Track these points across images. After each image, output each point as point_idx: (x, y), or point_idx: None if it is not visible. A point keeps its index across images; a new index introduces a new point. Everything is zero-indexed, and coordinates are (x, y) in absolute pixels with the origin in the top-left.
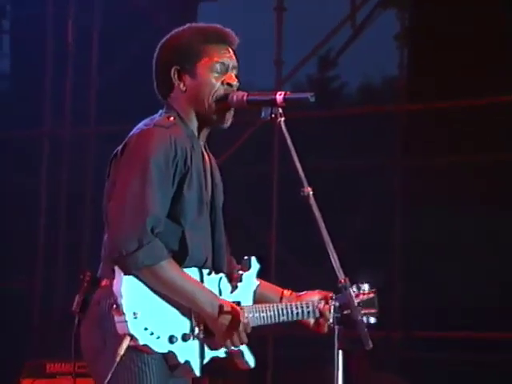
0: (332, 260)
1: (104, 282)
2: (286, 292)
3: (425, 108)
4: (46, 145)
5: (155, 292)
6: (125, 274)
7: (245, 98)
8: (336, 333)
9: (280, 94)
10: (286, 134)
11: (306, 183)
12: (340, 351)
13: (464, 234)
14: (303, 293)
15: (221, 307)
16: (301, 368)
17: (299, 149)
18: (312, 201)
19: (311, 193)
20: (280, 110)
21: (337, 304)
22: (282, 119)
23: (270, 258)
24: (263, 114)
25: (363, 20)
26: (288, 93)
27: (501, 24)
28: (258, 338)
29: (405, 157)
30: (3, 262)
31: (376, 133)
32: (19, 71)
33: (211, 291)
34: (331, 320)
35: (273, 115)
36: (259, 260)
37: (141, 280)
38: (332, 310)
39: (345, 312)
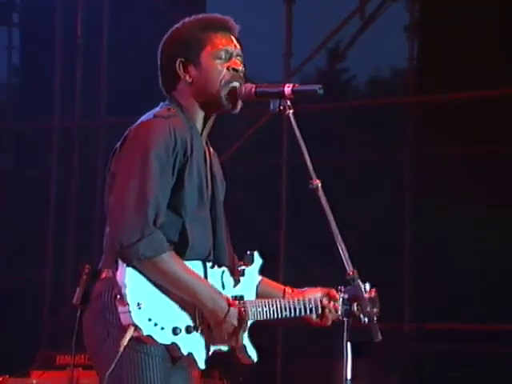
0: (341, 252)
1: (104, 274)
2: (288, 289)
3: (434, 100)
4: (56, 137)
5: (158, 283)
6: (126, 266)
7: (253, 90)
8: (345, 325)
9: (288, 86)
10: (295, 127)
11: (314, 175)
12: (349, 343)
13: (475, 225)
14: (305, 289)
15: (221, 303)
16: (310, 359)
17: (308, 141)
18: (321, 193)
19: (320, 185)
20: (288, 103)
21: (346, 296)
22: (291, 111)
23: (279, 251)
24: (272, 107)
25: (372, 12)
26: (296, 85)
27: None
28: (268, 329)
29: (414, 149)
30: (14, 255)
31: (385, 125)
32: (29, 64)
33: (214, 286)
34: (340, 312)
35: (281, 107)
36: (262, 255)
37: (142, 272)
38: (341, 302)
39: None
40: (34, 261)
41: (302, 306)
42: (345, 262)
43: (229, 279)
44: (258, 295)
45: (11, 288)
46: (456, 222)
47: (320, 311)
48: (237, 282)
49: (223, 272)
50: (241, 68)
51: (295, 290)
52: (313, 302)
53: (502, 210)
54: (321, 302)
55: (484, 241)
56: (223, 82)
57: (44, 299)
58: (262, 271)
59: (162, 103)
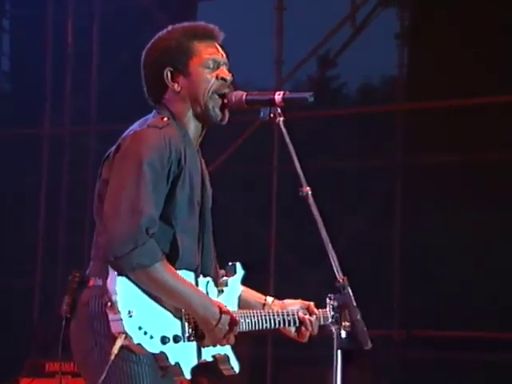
0: (331, 259)
1: (92, 282)
2: (269, 299)
3: (425, 107)
4: (46, 144)
5: (149, 292)
6: (118, 275)
7: (244, 97)
8: (335, 333)
9: (279, 94)
10: (285, 134)
11: (304, 183)
12: (339, 351)
13: (464, 232)
14: (285, 300)
15: (213, 310)
16: (300, 367)
17: (298, 149)
18: (311, 200)
19: (310, 192)
20: (279, 110)
21: (335, 304)
22: (281, 119)
23: (270, 258)
24: (262, 114)
25: (363, 19)
26: (287, 92)
27: (500, 23)
28: (258, 337)
29: (404, 156)
30: (4, 261)
31: (376, 132)
32: (19, 70)
33: (204, 294)
34: (330, 320)
35: (272, 115)
36: (245, 266)
37: (134, 281)
38: (330, 309)
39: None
40: (24, 267)
41: (281, 318)
42: (335, 269)
43: (213, 289)
44: (240, 306)
45: (1, 295)
46: (446, 229)
47: (298, 324)
48: (220, 292)
49: (208, 282)
50: (229, 77)
51: (275, 300)
52: (291, 315)
53: (492, 217)
54: (297, 314)
55: (474, 248)
56: (211, 91)
57: (33, 305)
58: (244, 282)
59: (154, 111)
